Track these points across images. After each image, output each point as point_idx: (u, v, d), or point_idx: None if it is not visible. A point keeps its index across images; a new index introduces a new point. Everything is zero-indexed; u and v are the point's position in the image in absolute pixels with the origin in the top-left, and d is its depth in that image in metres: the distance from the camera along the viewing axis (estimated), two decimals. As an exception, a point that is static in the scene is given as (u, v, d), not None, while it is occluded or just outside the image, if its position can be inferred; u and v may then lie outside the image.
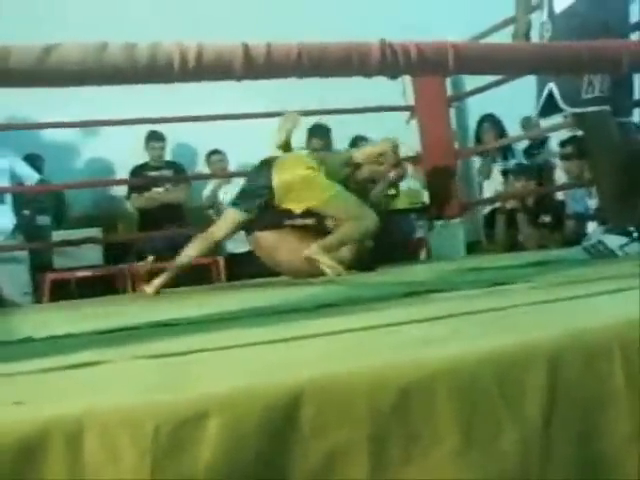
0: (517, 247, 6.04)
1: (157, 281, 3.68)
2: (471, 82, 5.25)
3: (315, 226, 3.70)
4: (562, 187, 6.10)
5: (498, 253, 5.60)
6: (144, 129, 6.13)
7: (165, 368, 1.07)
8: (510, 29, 3.87)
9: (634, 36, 3.06)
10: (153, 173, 6.32)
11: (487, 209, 6.63)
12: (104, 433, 0.80)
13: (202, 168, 6.78)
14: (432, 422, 0.91)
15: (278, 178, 3.57)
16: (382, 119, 5.12)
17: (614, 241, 2.83)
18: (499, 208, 6.47)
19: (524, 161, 6.69)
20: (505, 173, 6.51)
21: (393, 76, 1.61)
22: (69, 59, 1.25)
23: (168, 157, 6.57)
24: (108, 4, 6.18)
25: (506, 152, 6.76)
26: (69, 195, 6.31)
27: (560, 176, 6.24)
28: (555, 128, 4.91)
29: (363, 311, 1.73)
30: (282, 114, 4.26)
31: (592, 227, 5.47)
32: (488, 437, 0.93)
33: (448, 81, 5.16)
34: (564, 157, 5.89)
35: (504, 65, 1.76)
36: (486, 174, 6.67)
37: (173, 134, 6.36)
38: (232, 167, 6.55)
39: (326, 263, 3.36)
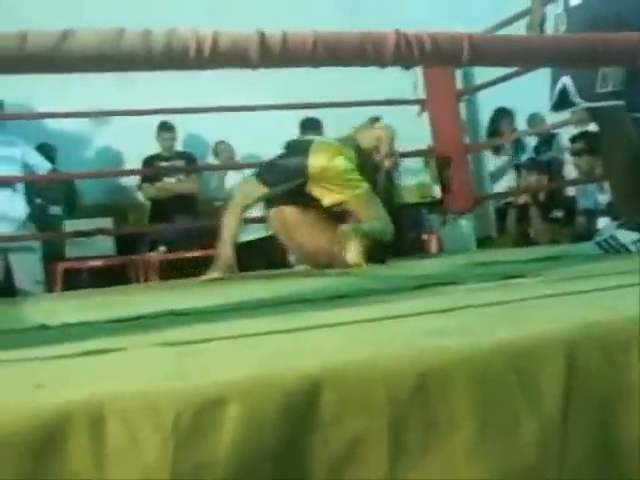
0: (529, 242, 6.04)
1: (220, 265, 3.65)
2: (481, 76, 5.24)
3: (340, 218, 3.67)
4: (574, 182, 6.09)
5: (509, 248, 5.60)
6: (155, 119, 6.14)
7: (183, 356, 1.08)
8: (517, 25, 3.88)
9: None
10: (164, 163, 6.34)
11: (499, 203, 6.62)
12: (126, 418, 0.81)
13: (214, 159, 6.80)
14: (450, 410, 0.91)
15: (315, 162, 3.53)
16: (392, 112, 5.12)
17: (627, 236, 2.83)
18: (511, 203, 6.47)
19: (534, 157, 6.69)
20: (517, 168, 6.51)
21: (407, 67, 1.61)
22: (86, 45, 1.25)
23: (179, 148, 6.58)
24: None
25: (517, 147, 6.75)
26: (81, 185, 6.33)
27: (570, 172, 6.23)
28: (565, 123, 4.90)
29: (376, 303, 1.74)
30: (292, 106, 4.30)
31: (603, 222, 5.46)
32: (505, 426, 0.93)
33: (458, 74, 5.15)
34: (575, 153, 5.88)
35: (519, 57, 1.75)
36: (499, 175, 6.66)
37: (184, 125, 6.37)
38: (241, 157, 6.56)
39: (354, 250, 3.36)
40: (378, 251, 3.66)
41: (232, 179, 6.37)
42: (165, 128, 6.32)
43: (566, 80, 2.84)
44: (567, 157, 6.30)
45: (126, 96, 4.66)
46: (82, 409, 0.81)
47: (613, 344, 1.01)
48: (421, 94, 4.95)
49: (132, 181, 6.60)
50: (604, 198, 5.49)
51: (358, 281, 2.80)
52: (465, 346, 0.97)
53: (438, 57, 1.57)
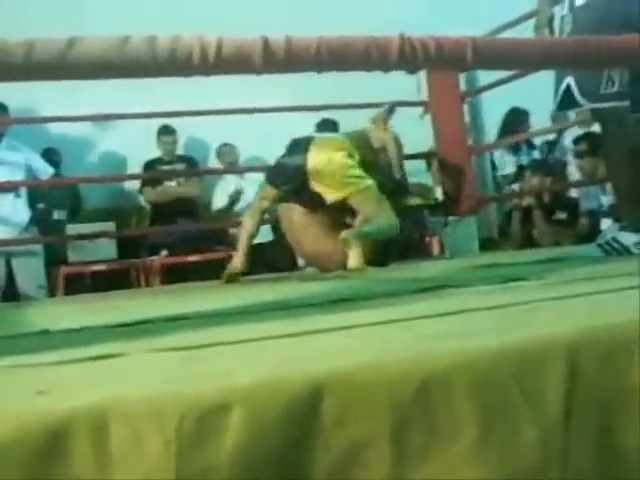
0: (532, 244, 6.04)
1: (237, 261, 3.72)
2: (485, 78, 5.25)
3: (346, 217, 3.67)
4: (578, 184, 6.08)
5: (512, 250, 5.60)
6: (157, 123, 6.15)
7: (186, 360, 1.08)
8: (522, 27, 3.88)
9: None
10: (165, 167, 6.34)
11: (508, 206, 6.62)
12: (130, 423, 0.81)
13: (215, 162, 6.80)
14: (452, 414, 0.91)
15: (314, 159, 3.52)
16: (395, 114, 5.12)
17: (629, 238, 2.82)
18: (515, 205, 6.47)
19: (537, 158, 6.68)
20: (521, 169, 6.50)
21: (411, 71, 1.61)
22: (91, 52, 1.26)
23: (180, 151, 6.59)
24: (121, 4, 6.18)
25: (528, 147, 6.76)
26: (83, 189, 6.34)
27: (571, 172, 6.22)
28: (568, 125, 4.90)
29: (378, 306, 1.74)
30: (292, 109, 4.29)
31: (606, 224, 5.46)
32: (507, 430, 0.93)
33: (462, 76, 5.15)
34: (578, 154, 5.87)
35: (522, 60, 1.76)
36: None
37: (185, 128, 6.37)
38: (245, 160, 6.56)
39: (356, 255, 3.36)
40: (382, 251, 3.65)
41: (234, 184, 6.37)
42: (165, 132, 6.33)
43: (570, 80, 2.83)
44: (570, 158, 6.30)
45: (130, 100, 4.67)
46: (85, 414, 0.81)
47: (615, 347, 1.01)
48: (424, 96, 4.95)
49: (135, 185, 6.60)
50: (607, 200, 5.48)
51: (361, 284, 2.80)
52: (467, 350, 0.98)
53: (442, 61, 1.58)
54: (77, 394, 0.87)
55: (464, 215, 4.81)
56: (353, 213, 3.62)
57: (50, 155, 5.83)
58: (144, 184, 6.39)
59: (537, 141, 6.93)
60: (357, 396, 0.89)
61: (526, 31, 3.50)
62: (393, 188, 3.79)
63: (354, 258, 3.35)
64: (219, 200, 6.45)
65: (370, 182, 3.57)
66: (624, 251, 2.80)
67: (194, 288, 3.66)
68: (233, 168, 6.49)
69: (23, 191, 5.42)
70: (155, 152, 6.46)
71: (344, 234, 3.39)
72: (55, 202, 5.92)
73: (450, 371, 0.93)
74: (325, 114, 6.07)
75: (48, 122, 5.87)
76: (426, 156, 5.48)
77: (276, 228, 6.27)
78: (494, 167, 6.86)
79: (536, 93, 4.74)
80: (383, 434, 0.89)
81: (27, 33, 1.28)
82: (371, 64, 1.46)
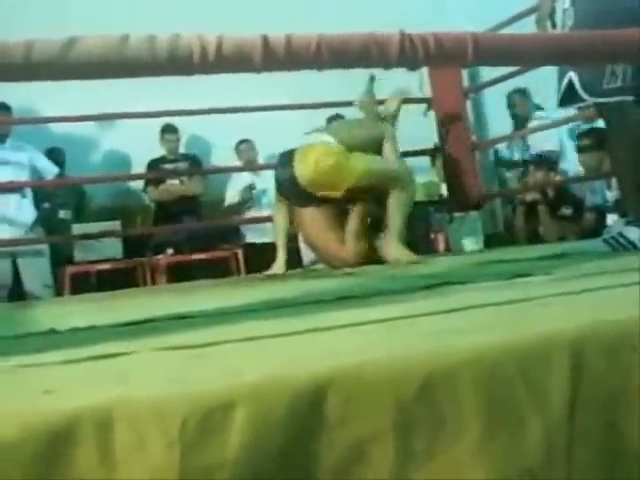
0: (537, 239, 6.03)
1: (281, 261, 3.73)
2: (488, 74, 5.24)
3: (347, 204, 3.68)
4: (582, 179, 6.07)
5: (518, 245, 5.59)
6: (161, 122, 6.16)
7: (189, 359, 1.08)
8: (523, 22, 3.87)
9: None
10: (169, 166, 6.34)
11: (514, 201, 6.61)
12: (133, 423, 0.81)
13: (217, 161, 6.80)
14: (456, 412, 0.92)
15: (300, 173, 3.53)
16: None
17: (635, 233, 2.81)
18: (519, 200, 6.46)
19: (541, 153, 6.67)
20: (525, 163, 6.50)
21: (412, 67, 1.61)
22: (91, 52, 1.26)
23: (183, 149, 6.59)
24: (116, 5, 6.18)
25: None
26: (88, 188, 6.35)
27: (568, 168, 6.22)
28: (571, 120, 4.89)
29: (384, 303, 1.74)
30: (292, 107, 4.29)
31: (611, 219, 5.45)
32: (512, 427, 0.93)
33: (465, 72, 5.15)
34: (581, 149, 5.86)
35: (524, 56, 1.75)
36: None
37: (188, 127, 6.37)
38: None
39: (411, 259, 3.41)
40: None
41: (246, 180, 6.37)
42: (168, 130, 6.34)
43: (572, 75, 2.82)
44: (565, 150, 6.29)
45: (133, 99, 4.67)
46: (90, 414, 0.81)
47: (620, 343, 1.01)
48: (427, 92, 4.95)
49: (140, 184, 6.61)
50: (612, 195, 5.48)
51: (366, 281, 2.80)
52: (472, 346, 0.98)
53: (443, 58, 1.57)
54: (82, 394, 0.87)
55: (469, 211, 4.80)
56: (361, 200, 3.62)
57: (54, 155, 5.84)
58: (147, 183, 6.40)
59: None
60: (362, 393, 0.89)
61: (525, 27, 3.49)
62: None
63: (411, 260, 3.36)
64: (231, 196, 6.45)
65: (367, 158, 3.55)
66: (630, 246, 2.80)
67: (200, 286, 3.66)
68: (234, 167, 6.48)
69: (28, 191, 5.44)
70: (159, 151, 6.47)
71: (390, 258, 3.42)
72: (60, 201, 5.94)
73: (455, 368, 0.93)
74: (330, 111, 6.06)
75: (51, 122, 5.88)
76: (430, 152, 5.47)
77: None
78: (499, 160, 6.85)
79: (539, 88, 4.75)
80: (388, 431, 0.89)
81: (26, 33, 1.28)
82: (371, 61, 1.46)
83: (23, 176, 5.30)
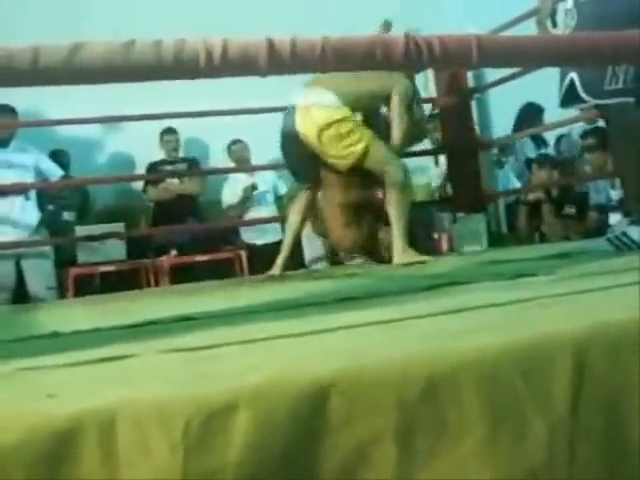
0: (541, 239, 6.02)
1: (279, 262, 3.73)
2: (492, 74, 5.23)
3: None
4: (586, 178, 6.06)
5: (520, 245, 5.58)
6: (164, 124, 6.16)
7: (192, 361, 1.08)
8: (525, 25, 3.87)
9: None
10: (169, 168, 6.36)
11: (510, 200, 6.60)
12: (136, 425, 0.82)
13: (215, 162, 6.80)
14: (459, 412, 0.92)
15: (301, 131, 3.45)
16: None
17: (638, 233, 2.81)
18: (520, 199, 6.45)
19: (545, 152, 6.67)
20: (528, 163, 6.49)
21: (417, 69, 1.61)
22: (97, 57, 1.26)
23: (182, 151, 6.59)
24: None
25: (538, 141, 6.75)
26: (92, 190, 6.35)
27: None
28: (575, 120, 4.87)
29: (387, 304, 1.74)
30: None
31: (615, 219, 5.44)
32: (515, 427, 0.93)
33: (470, 73, 5.14)
34: (586, 148, 5.85)
35: (528, 58, 1.75)
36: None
37: (187, 129, 6.37)
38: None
39: (419, 259, 3.40)
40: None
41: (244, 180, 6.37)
42: (168, 132, 6.34)
43: (574, 76, 2.82)
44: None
45: (137, 101, 4.67)
46: (93, 417, 0.82)
47: (622, 344, 1.01)
48: (432, 93, 4.95)
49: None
50: (616, 194, 5.47)
51: (369, 282, 2.81)
52: (474, 347, 0.98)
53: (447, 60, 1.57)
54: (85, 397, 0.87)
55: (473, 211, 4.79)
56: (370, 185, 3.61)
57: (58, 157, 5.83)
58: (147, 184, 6.40)
59: (549, 136, 6.92)
60: (364, 395, 0.89)
61: (527, 29, 3.49)
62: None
63: (402, 253, 3.37)
64: (230, 197, 6.44)
65: (363, 144, 3.45)
66: (634, 245, 2.79)
67: (203, 288, 3.66)
68: (232, 168, 6.47)
69: (32, 193, 5.43)
70: (160, 153, 6.47)
71: (397, 261, 3.40)
72: (64, 203, 5.93)
73: (457, 369, 0.94)
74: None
75: (56, 125, 5.88)
76: (434, 152, 5.47)
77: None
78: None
79: (545, 89, 4.74)
80: (390, 432, 0.89)
81: (31, 37, 1.29)
82: (376, 63, 1.46)
83: (27, 178, 5.30)
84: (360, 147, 3.43)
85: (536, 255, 2.99)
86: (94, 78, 1.31)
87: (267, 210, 6.38)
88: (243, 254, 6.16)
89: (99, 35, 1.35)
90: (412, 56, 1.46)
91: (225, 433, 0.83)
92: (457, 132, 4.84)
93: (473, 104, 5.12)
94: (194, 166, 6.44)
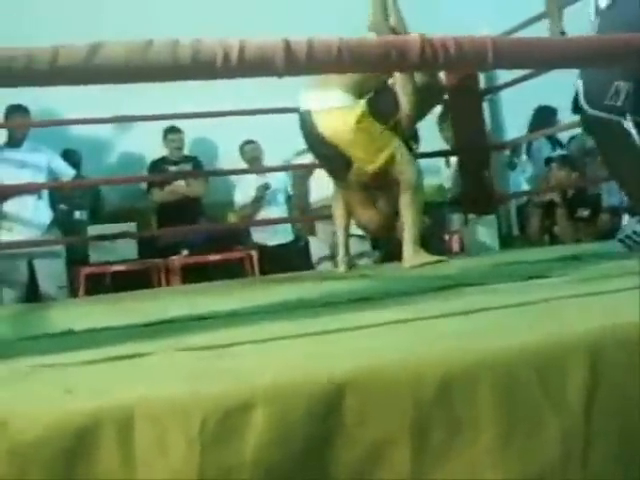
0: (553, 241, 6.01)
1: (342, 260, 3.74)
2: (504, 75, 5.23)
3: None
4: (599, 180, 6.04)
5: (532, 247, 5.57)
6: (175, 124, 6.18)
7: (209, 360, 1.09)
8: (537, 27, 3.86)
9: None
10: (172, 167, 6.35)
11: (521, 202, 6.59)
12: (154, 423, 0.82)
13: (222, 163, 6.81)
14: (473, 413, 0.92)
15: (324, 133, 3.43)
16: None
17: None
18: (533, 201, 6.43)
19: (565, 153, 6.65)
20: (548, 162, 6.47)
21: (432, 71, 1.61)
22: (115, 57, 1.27)
23: (188, 151, 6.59)
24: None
25: (554, 142, 6.73)
26: (104, 190, 6.37)
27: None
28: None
29: (400, 304, 1.74)
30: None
31: (627, 220, 5.42)
32: (529, 428, 0.94)
33: (481, 75, 5.13)
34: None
35: (543, 59, 1.75)
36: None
37: (195, 129, 6.37)
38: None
39: (431, 260, 3.40)
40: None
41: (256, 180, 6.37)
42: (172, 131, 6.33)
43: (579, 84, 2.82)
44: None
45: (149, 101, 4.68)
46: (111, 414, 0.82)
47: (636, 345, 1.01)
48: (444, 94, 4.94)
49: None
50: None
51: (382, 283, 2.81)
52: (489, 348, 0.98)
53: (463, 61, 1.57)
54: (102, 394, 0.88)
55: (485, 213, 4.79)
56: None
57: (69, 156, 5.84)
58: (151, 185, 6.39)
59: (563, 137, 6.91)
60: (379, 394, 0.90)
61: (539, 32, 3.48)
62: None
63: (413, 255, 3.39)
64: (242, 197, 6.44)
65: (390, 149, 3.46)
66: None
67: (216, 287, 3.67)
68: (238, 170, 6.47)
69: (45, 192, 5.45)
70: (164, 152, 6.47)
71: (407, 265, 3.40)
72: (76, 203, 5.95)
73: (472, 369, 0.94)
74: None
75: (67, 124, 5.90)
76: (445, 154, 5.46)
77: (296, 229, 6.29)
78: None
79: (557, 90, 4.73)
80: (405, 432, 0.89)
81: (43, 36, 1.30)
82: (391, 65, 1.47)
83: (40, 178, 5.31)
84: (388, 152, 3.45)
85: (548, 257, 2.98)
86: (112, 78, 1.32)
87: (278, 210, 6.37)
88: (254, 254, 6.16)
89: (114, 36, 1.36)
90: (427, 57, 1.46)
91: (241, 431, 0.84)
92: (468, 133, 4.83)
93: (485, 105, 5.12)
94: (197, 166, 6.44)
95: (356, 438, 0.88)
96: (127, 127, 6.38)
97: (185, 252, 6.07)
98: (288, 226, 6.38)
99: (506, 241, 5.63)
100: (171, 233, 6.08)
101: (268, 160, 6.35)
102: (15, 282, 5.26)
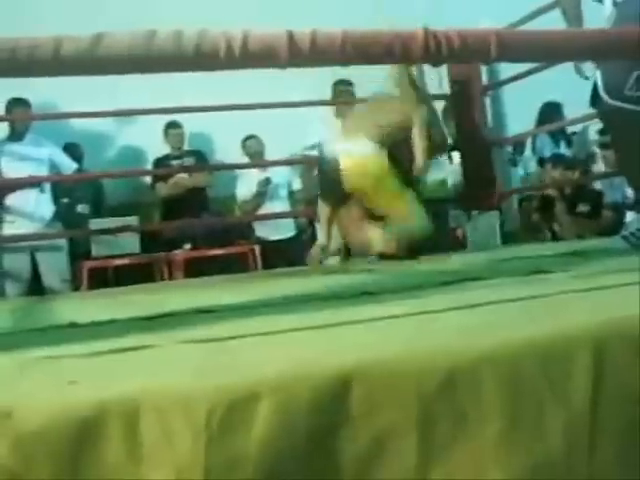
0: (554, 237, 6.00)
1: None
2: (506, 70, 5.22)
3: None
4: (601, 176, 6.04)
5: (533, 243, 5.57)
6: (177, 118, 6.18)
7: (214, 352, 1.09)
8: (541, 19, 3.86)
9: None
10: (176, 162, 6.34)
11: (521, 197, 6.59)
12: (159, 414, 0.82)
13: (222, 157, 6.81)
14: (478, 405, 0.92)
15: (350, 185, 3.66)
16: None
17: None
18: (534, 197, 6.43)
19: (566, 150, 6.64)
20: (541, 162, 6.47)
21: (435, 63, 1.61)
22: (118, 47, 1.27)
23: (189, 146, 6.59)
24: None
25: (558, 139, 6.72)
26: (106, 184, 6.37)
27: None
28: (590, 117, 4.85)
29: (405, 299, 1.74)
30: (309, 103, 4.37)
31: (630, 216, 5.41)
32: (533, 421, 0.94)
33: (484, 70, 5.13)
34: (603, 145, 5.82)
35: (547, 52, 1.75)
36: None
37: (195, 124, 6.36)
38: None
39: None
40: (414, 245, 3.71)
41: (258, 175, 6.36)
42: (172, 125, 6.32)
43: (597, 75, 2.81)
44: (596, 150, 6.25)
45: (151, 95, 4.68)
46: (117, 405, 0.82)
47: (641, 339, 1.01)
48: (446, 89, 4.94)
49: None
50: (632, 191, 5.43)
51: (386, 277, 2.81)
52: (493, 342, 0.98)
53: (466, 54, 1.57)
54: (107, 385, 0.88)
55: (487, 209, 4.79)
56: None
57: (71, 150, 5.84)
58: (156, 179, 6.39)
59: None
60: (384, 387, 0.90)
61: (547, 23, 3.47)
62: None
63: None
64: (244, 192, 6.44)
65: (408, 192, 3.70)
66: None
67: (219, 281, 3.67)
68: (242, 164, 6.47)
69: (47, 186, 5.46)
70: (165, 147, 6.48)
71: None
72: (78, 196, 5.95)
73: (477, 362, 0.94)
74: (333, 108, 6.04)
75: (69, 118, 5.90)
76: (448, 149, 5.46)
77: (298, 224, 6.30)
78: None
79: (560, 85, 4.73)
80: (410, 424, 0.89)
81: (46, 27, 1.30)
82: (395, 57, 1.47)
83: (42, 171, 5.32)
84: (403, 207, 3.67)
85: (550, 252, 2.98)
86: (115, 68, 1.32)
87: (280, 205, 6.37)
88: (257, 249, 6.16)
89: (117, 28, 1.35)
90: (431, 50, 1.46)
91: (247, 422, 0.84)
92: (470, 129, 4.83)
93: (487, 101, 5.12)
94: (201, 159, 6.44)
95: (361, 430, 0.88)
96: (129, 121, 6.37)
97: (187, 246, 6.07)
98: (290, 221, 6.38)
99: (508, 237, 5.62)
100: (173, 227, 6.08)
101: (268, 155, 6.36)
102: (18, 276, 5.27)
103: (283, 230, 6.27)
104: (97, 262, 5.77)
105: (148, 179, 6.61)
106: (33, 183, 5.30)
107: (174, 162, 6.35)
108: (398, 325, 1.27)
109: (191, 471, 0.82)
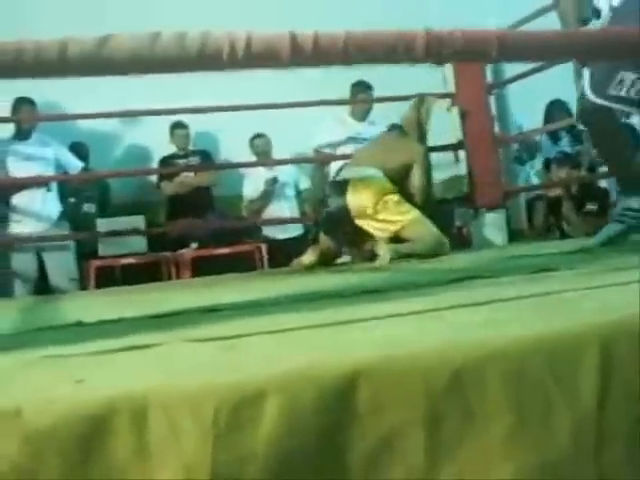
0: (561, 235, 6.00)
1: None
2: (511, 69, 5.22)
3: None
4: (605, 174, 6.03)
5: (541, 241, 5.56)
6: (182, 118, 6.20)
7: (221, 350, 1.09)
8: (541, 19, 3.87)
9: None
10: (181, 161, 6.36)
11: (529, 196, 6.58)
12: (167, 412, 0.83)
13: (228, 156, 6.82)
14: (486, 403, 0.92)
15: (353, 202, 3.73)
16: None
17: (637, 202, 2.88)
18: (540, 196, 6.42)
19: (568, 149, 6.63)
20: (547, 162, 6.46)
21: (438, 63, 1.62)
22: (123, 49, 1.28)
23: (194, 146, 6.60)
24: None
25: (558, 138, 6.72)
26: (112, 183, 6.38)
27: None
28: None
29: (412, 296, 1.74)
30: (312, 103, 4.39)
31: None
32: (541, 419, 0.93)
33: (488, 68, 5.13)
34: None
35: (549, 52, 1.75)
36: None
37: (201, 123, 6.37)
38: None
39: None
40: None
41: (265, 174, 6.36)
42: (178, 126, 6.34)
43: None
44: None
45: (156, 95, 4.69)
46: (125, 403, 0.83)
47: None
48: (451, 88, 4.94)
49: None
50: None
51: (394, 275, 2.81)
52: (500, 339, 0.98)
53: (468, 54, 1.58)
54: (115, 384, 0.88)
55: (493, 207, 4.79)
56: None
57: (77, 149, 5.86)
58: (161, 179, 6.40)
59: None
60: (392, 384, 0.90)
61: (544, 24, 3.48)
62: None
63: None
64: (251, 191, 6.44)
65: (414, 213, 3.74)
66: (638, 214, 2.85)
67: (226, 280, 3.68)
68: (248, 162, 6.47)
69: (54, 185, 5.47)
70: (171, 147, 6.49)
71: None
72: (85, 196, 5.96)
73: (484, 360, 0.94)
74: (340, 109, 6.04)
75: (75, 118, 5.91)
76: (453, 148, 5.46)
77: (305, 223, 6.30)
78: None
79: (564, 83, 4.73)
80: (417, 422, 0.89)
81: (48, 31, 1.30)
82: (397, 57, 1.47)
83: (48, 171, 5.34)
84: (409, 216, 3.72)
85: (557, 250, 2.98)
86: (120, 69, 1.32)
87: (287, 204, 6.38)
88: (264, 248, 6.17)
89: (119, 30, 1.36)
90: (434, 50, 1.46)
91: (254, 420, 0.84)
92: (475, 128, 4.83)
93: (492, 99, 5.12)
94: (206, 158, 6.45)
95: (369, 428, 0.88)
96: (134, 121, 6.38)
97: (194, 245, 6.08)
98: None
99: (514, 235, 5.62)
100: (180, 227, 6.09)
101: (274, 155, 6.37)
102: (25, 275, 5.28)
103: (290, 229, 6.28)
104: (104, 261, 5.78)
105: (154, 178, 6.63)
106: (40, 182, 5.31)
107: (180, 161, 6.37)
108: (405, 323, 1.27)
109: (198, 469, 0.82)
